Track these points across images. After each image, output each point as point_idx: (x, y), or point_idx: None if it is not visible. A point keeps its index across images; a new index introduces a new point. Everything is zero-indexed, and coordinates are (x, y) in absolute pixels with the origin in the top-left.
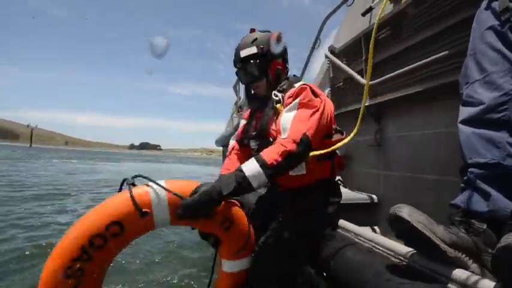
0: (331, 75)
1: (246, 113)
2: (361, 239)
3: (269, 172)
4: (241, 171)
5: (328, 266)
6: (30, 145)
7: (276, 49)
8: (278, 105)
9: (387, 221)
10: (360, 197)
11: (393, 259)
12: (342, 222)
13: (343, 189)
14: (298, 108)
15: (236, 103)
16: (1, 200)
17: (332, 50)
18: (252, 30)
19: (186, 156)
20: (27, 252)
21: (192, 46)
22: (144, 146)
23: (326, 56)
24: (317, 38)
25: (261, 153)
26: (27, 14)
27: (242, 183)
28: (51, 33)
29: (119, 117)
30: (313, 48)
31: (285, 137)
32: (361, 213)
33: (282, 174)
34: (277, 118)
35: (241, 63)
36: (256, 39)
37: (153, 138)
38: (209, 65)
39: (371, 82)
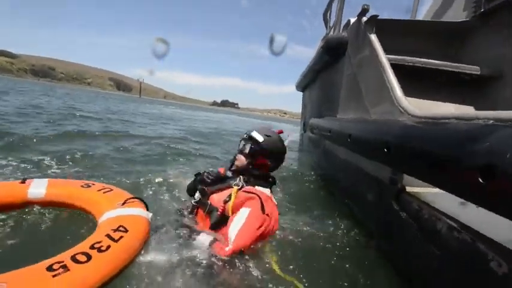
0: None
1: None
2: None
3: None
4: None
5: None
6: (140, 96)
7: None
8: (235, 189)
9: None
10: None
11: None
12: None
13: None
14: (246, 219)
15: (324, 38)
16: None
17: None
18: (280, 132)
19: (262, 116)
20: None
21: (277, 1)
22: (224, 103)
23: None
24: None
25: (213, 240)
26: None
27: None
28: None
29: (206, 77)
30: None
31: (228, 247)
32: None
33: None
34: (229, 200)
35: (248, 136)
36: (269, 136)
37: (232, 96)
38: (293, 22)
39: None
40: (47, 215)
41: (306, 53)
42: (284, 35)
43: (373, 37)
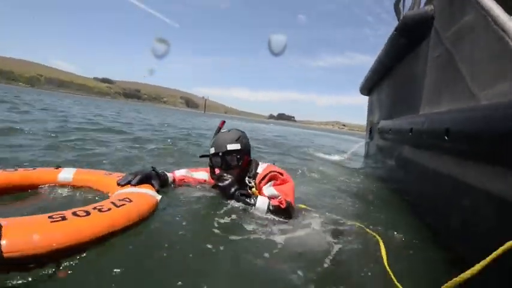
0: None
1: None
2: None
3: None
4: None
5: None
6: (204, 111)
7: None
8: (253, 190)
9: None
10: None
11: None
12: None
13: None
14: (276, 186)
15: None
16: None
17: None
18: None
19: (319, 128)
20: None
21: (337, 11)
22: (281, 116)
23: None
24: None
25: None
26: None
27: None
28: (217, 26)
29: (262, 91)
30: None
31: (282, 199)
32: None
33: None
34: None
35: (224, 152)
36: (239, 137)
37: (288, 110)
38: (354, 31)
39: None
40: (75, 194)
41: (365, 61)
42: (284, 34)
43: None
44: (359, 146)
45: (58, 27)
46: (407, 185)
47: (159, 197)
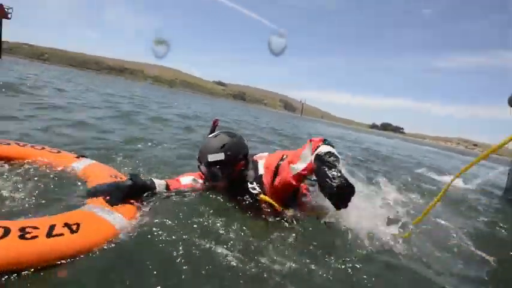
0: None
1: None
2: None
3: None
4: None
5: None
6: (301, 115)
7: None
8: (262, 196)
9: None
10: None
11: None
12: None
13: None
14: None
15: None
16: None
17: None
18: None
19: (436, 145)
20: None
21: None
22: (386, 127)
23: None
24: None
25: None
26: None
27: None
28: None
29: (364, 97)
30: None
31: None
32: None
33: None
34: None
35: (206, 163)
36: (224, 145)
37: (397, 119)
38: (499, 20)
39: None
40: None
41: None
42: (284, 36)
43: None
44: (499, 171)
45: (181, 37)
46: None
47: (117, 223)
